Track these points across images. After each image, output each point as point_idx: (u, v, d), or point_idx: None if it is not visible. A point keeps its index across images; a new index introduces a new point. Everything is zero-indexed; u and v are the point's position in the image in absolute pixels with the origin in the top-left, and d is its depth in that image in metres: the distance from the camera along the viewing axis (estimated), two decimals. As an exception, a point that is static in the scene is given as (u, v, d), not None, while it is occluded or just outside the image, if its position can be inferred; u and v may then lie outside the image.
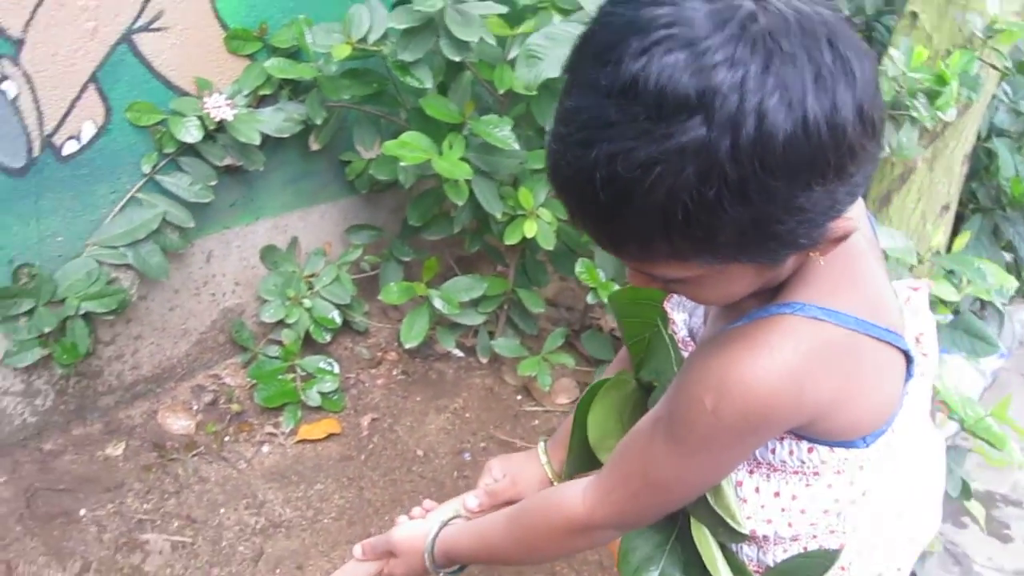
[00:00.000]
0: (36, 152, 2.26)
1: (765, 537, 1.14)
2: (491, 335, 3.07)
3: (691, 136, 0.79)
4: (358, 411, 2.88)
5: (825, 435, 1.04)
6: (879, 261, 1.13)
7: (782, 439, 1.06)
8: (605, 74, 0.83)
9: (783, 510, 1.11)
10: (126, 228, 2.44)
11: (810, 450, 1.05)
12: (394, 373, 3.04)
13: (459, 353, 3.12)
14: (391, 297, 2.83)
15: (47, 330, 2.35)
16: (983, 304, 3.28)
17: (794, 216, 0.85)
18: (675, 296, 1.23)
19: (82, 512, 2.41)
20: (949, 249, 2.73)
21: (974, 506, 2.40)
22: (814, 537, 1.14)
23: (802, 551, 1.14)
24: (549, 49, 1.97)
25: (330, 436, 2.77)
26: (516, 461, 1.52)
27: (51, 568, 2.26)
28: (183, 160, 2.50)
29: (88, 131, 2.34)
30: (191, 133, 2.42)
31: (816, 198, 0.84)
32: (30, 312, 2.35)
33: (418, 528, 1.39)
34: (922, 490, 1.20)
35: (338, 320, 2.90)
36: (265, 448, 2.71)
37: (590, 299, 2.66)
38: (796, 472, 1.08)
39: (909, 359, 1.07)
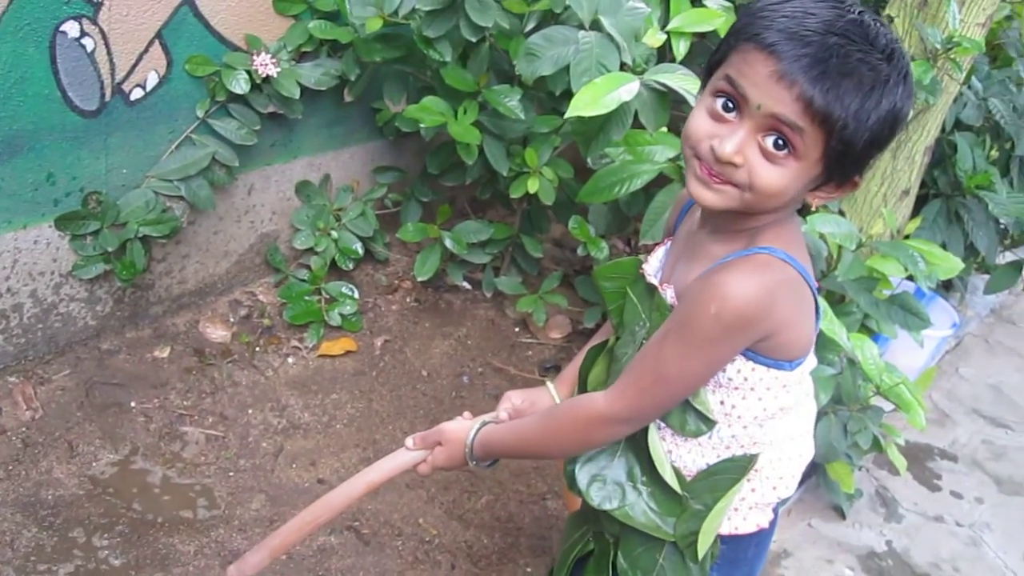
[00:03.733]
0: (108, 97, 2.63)
1: (708, 437, 1.50)
2: (496, 272, 3.44)
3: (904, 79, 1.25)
4: (373, 332, 3.28)
5: (768, 352, 1.40)
6: None
7: (734, 360, 1.42)
8: None
9: (725, 415, 1.47)
10: (180, 164, 2.81)
11: (753, 369, 1.41)
12: (408, 300, 3.43)
13: (467, 286, 3.51)
14: (407, 235, 3.21)
15: (110, 249, 2.74)
16: (951, 280, 3.62)
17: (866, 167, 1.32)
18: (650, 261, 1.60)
19: (132, 404, 2.84)
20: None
21: (896, 456, 2.75)
22: (741, 447, 1.51)
23: (729, 457, 1.51)
24: (546, 49, 2.30)
25: (347, 353, 3.17)
26: (529, 392, 1.85)
27: (105, 449, 2.70)
28: (232, 107, 2.86)
29: (152, 80, 2.70)
30: (240, 85, 2.78)
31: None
32: (96, 233, 2.74)
33: (464, 424, 1.72)
34: (807, 419, 1.58)
35: (361, 251, 3.28)
36: (290, 359, 3.12)
37: (580, 251, 3.01)
38: (737, 388, 1.44)
39: (817, 313, 1.45)
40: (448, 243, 3.20)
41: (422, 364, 3.22)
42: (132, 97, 2.68)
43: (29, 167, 2.55)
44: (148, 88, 2.70)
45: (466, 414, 1.77)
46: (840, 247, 2.64)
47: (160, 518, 2.56)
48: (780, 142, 1.25)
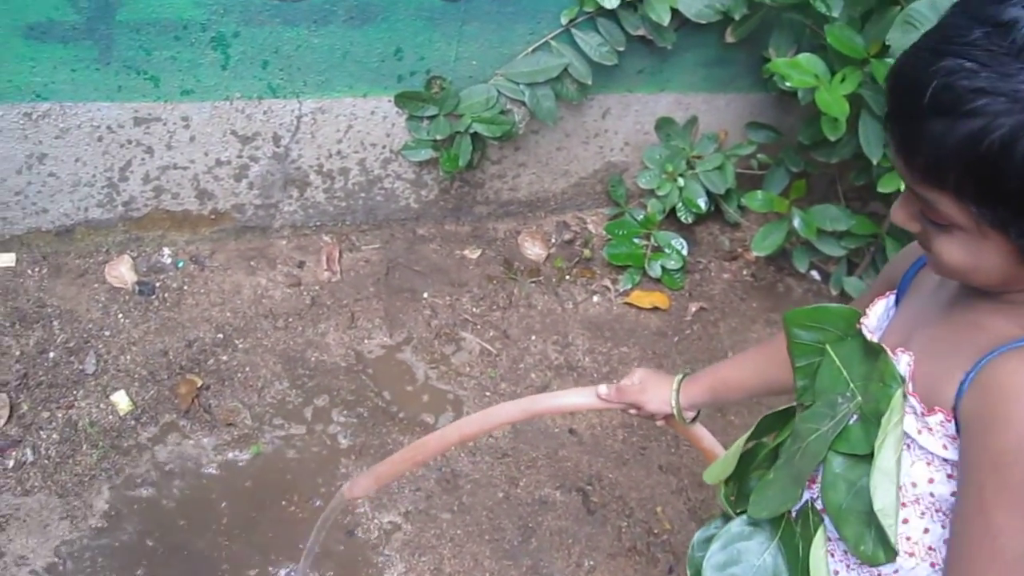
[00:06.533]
0: (471, -17, 2.54)
1: (895, 571, 1.14)
2: (852, 270, 3.01)
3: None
4: (692, 295, 3.00)
5: None
6: None
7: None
8: (989, 7, 0.91)
9: (929, 549, 1.11)
10: (531, 69, 2.68)
11: None
12: (743, 273, 3.11)
13: (815, 276, 3.11)
14: (753, 204, 2.87)
15: (439, 137, 2.69)
16: None
17: None
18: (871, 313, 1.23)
19: (425, 295, 2.82)
20: None
21: None
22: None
23: None
24: (929, 21, 1.86)
25: (655, 308, 2.93)
26: (656, 376, 1.62)
27: (382, 330, 2.70)
28: (600, 21, 2.66)
29: (521, -25, 2.58)
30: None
31: None
32: (432, 118, 2.70)
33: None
34: None
35: (704, 206, 2.99)
36: (595, 298, 2.94)
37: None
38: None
39: None
40: (796, 223, 2.82)
41: (732, 345, 2.90)
42: (497, -12, 2.57)
43: (379, 37, 2.53)
44: (521, -17, 2.58)
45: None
46: None
47: (402, 413, 2.52)
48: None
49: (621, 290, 2.95)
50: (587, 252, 3.03)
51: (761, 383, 1.50)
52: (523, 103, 2.73)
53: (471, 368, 2.68)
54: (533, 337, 2.79)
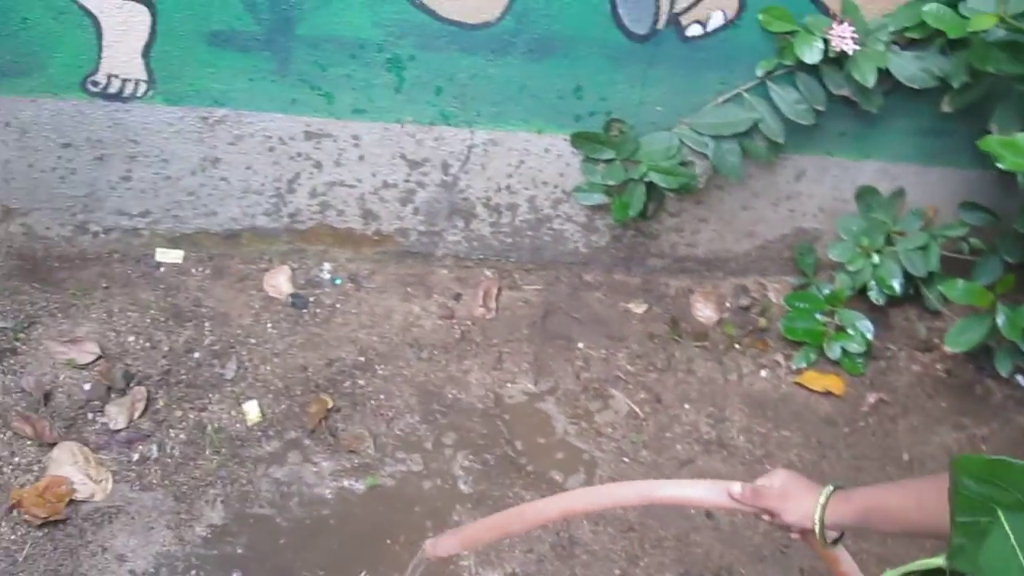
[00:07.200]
0: (660, 25, 2.39)
1: None
2: (1066, 382, 2.65)
3: None
4: (872, 384, 2.72)
5: None
6: None
7: None
8: None
9: None
10: (718, 120, 2.51)
11: None
12: (937, 367, 2.79)
13: (1021, 382, 2.76)
14: (952, 293, 2.56)
15: (612, 183, 2.56)
16: None
17: None
18: None
19: (580, 345, 2.68)
20: None
21: None
22: None
23: None
24: None
25: (828, 393, 2.68)
26: (800, 483, 1.41)
27: (527, 376, 2.59)
28: (800, 76, 2.46)
29: (716, 20, 2.40)
30: (812, 54, 2.36)
31: None
32: (609, 161, 2.57)
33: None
34: None
35: (898, 288, 2.71)
36: (763, 372, 2.71)
37: None
38: None
39: None
40: (999, 320, 2.50)
41: (910, 445, 2.61)
42: (688, 33, 2.41)
43: (559, 73, 2.44)
44: (708, 28, 2.41)
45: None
46: None
47: (531, 467, 2.40)
48: None
49: (793, 368, 2.71)
50: (763, 322, 2.80)
51: (930, 522, 1.25)
52: (706, 156, 2.55)
53: (614, 429, 2.52)
54: (687, 405, 2.60)
